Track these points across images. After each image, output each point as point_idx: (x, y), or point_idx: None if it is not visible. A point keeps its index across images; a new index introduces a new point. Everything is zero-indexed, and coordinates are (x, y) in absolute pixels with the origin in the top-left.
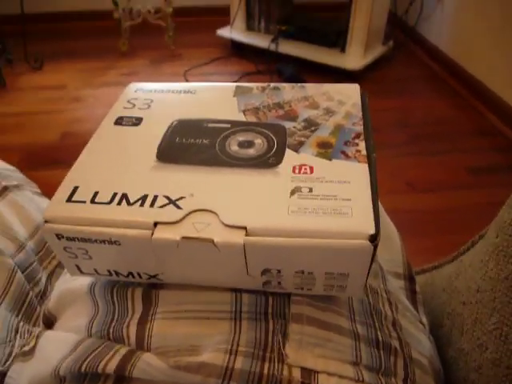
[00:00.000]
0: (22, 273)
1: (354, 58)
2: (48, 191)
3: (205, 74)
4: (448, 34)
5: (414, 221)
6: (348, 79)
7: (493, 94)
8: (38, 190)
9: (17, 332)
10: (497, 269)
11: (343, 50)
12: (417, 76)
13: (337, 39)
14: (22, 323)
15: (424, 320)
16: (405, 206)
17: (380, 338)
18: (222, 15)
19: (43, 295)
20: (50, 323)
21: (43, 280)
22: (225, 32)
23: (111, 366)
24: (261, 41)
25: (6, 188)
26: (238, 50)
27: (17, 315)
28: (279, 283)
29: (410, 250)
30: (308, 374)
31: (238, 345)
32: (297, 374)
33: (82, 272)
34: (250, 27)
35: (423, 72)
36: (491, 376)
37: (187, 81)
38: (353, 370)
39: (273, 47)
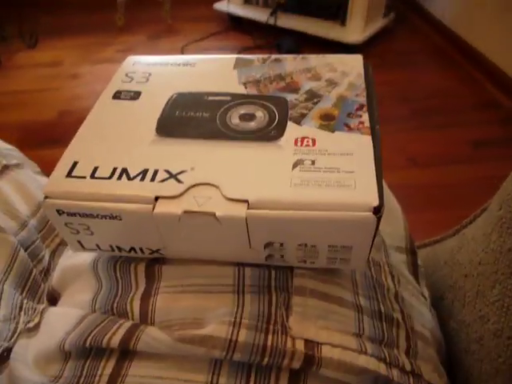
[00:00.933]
0: (25, 250)
1: (354, 31)
2: (47, 170)
3: (202, 49)
4: (451, 7)
5: (415, 195)
6: (349, 53)
7: (495, 68)
8: (39, 169)
9: (21, 309)
10: (499, 241)
11: (343, 23)
12: (418, 49)
13: (337, 12)
14: (26, 300)
15: (426, 293)
16: (407, 180)
17: (382, 310)
18: None
19: (46, 272)
20: (53, 300)
21: (46, 257)
22: (222, 6)
23: (115, 340)
24: (259, 14)
25: (6, 167)
26: (236, 24)
27: (21, 292)
28: (282, 256)
29: (412, 225)
30: (311, 345)
31: (241, 317)
32: (300, 345)
33: (84, 248)
34: (247, 0)
35: (425, 45)
36: (492, 347)
37: None
38: (356, 341)
39: (271, 21)
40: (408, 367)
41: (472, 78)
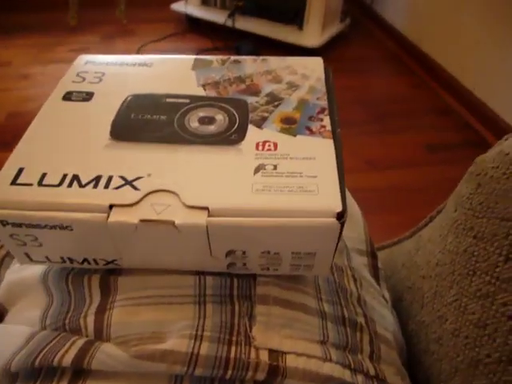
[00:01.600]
0: None
1: (311, 35)
2: None
3: (159, 50)
4: (403, 13)
5: (374, 198)
6: (307, 56)
7: (447, 74)
8: None
9: None
10: (456, 242)
11: (301, 27)
12: (374, 54)
13: (294, 16)
14: None
15: (386, 295)
16: (365, 184)
17: (346, 315)
18: None
19: None
20: (0, 315)
21: None
22: (179, 6)
23: (68, 359)
24: (217, 16)
25: None
26: (194, 26)
27: None
28: (244, 264)
29: (373, 228)
30: (276, 355)
31: (203, 330)
32: (264, 356)
33: (32, 260)
34: (205, 1)
35: (380, 50)
36: (451, 346)
37: None
38: (320, 348)
39: (229, 23)
40: (372, 372)
41: (424, 83)
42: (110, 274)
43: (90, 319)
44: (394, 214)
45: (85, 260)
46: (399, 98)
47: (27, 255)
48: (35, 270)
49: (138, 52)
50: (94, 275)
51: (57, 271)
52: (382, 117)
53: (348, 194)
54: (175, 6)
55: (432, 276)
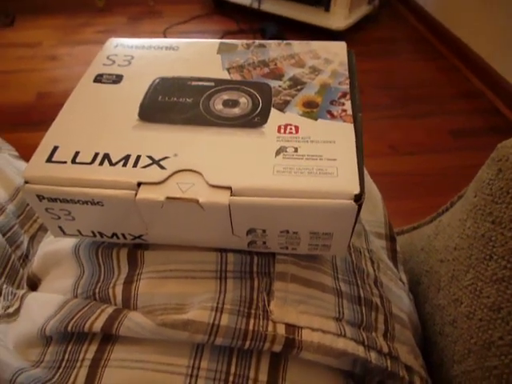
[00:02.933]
0: (3, 236)
1: (338, 17)
2: (26, 153)
3: (185, 32)
4: None
5: (396, 183)
6: (332, 39)
7: (477, 57)
8: (16, 153)
9: (0, 294)
10: (474, 227)
11: (327, 8)
12: (401, 37)
13: None
14: (5, 285)
15: (404, 278)
16: (388, 168)
17: (362, 295)
18: None
19: (25, 258)
20: (33, 285)
21: (25, 243)
22: None
23: (98, 325)
24: None
25: None
26: (220, 8)
27: None
28: (264, 243)
29: (393, 212)
30: (292, 329)
31: (223, 303)
32: (281, 329)
33: (65, 233)
34: None
35: (408, 33)
36: (465, 329)
37: None
38: (335, 325)
39: (255, 5)
40: (385, 349)
41: (454, 67)
42: (137, 248)
43: (119, 289)
44: (416, 199)
45: (114, 234)
46: (426, 82)
47: (61, 228)
48: (67, 243)
49: (165, 33)
50: (122, 249)
51: (87, 244)
52: (407, 101)
53: (368, 179)
54: None
55: (449, 260)
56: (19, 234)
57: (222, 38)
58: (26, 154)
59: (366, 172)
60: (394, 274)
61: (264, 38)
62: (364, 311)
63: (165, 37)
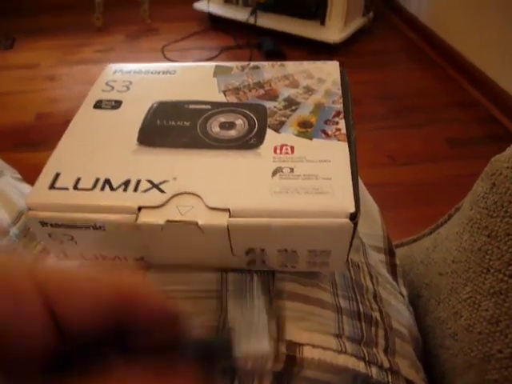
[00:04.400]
0: None
1: (333, 30)
2: (27, 173)
3: (183, 49)
4: (427, 4)
5: (395, 193)
6: (328, 52)
7: (471, 66)
8: (19, 176)
9: None
10: (471, 240)
11: (323, 22)
12: (396, 47)
13: (316, 11)
14: None
15: (404, 291)
16: (386, 179)
17: (361, 310)
18: None
19: None
20: None
21: None
22: (202, 5)
23: None
24: (239, 14)
25: None
26: (216, 24)
27: None
28: (263, 262)
29: (393, 223)
30: (293, 347)
31: (224, 322)
32: (282, 347)
33: (68, 257)
34: (227, 0)
35: (402, 43)
36: (465, 341)
37: (165, 57)
38: (336, 341)
39: (251, 20)
40: (386, 364)
41: (449, 76)
42: (138, 270)
43: None
44: (415, 209)
45: (116, 257)
46: (422, 92)
47: (63, 252)
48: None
49: (163, 50)
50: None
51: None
52: (403, 111)
53: (365, 192)
54: (198, 5)
55: (448, 273)
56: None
57: (219, 53)
58: (28, 173)
59: (363, 186)
60: (393, 288)
61: (261, 52)
62: (364, 327)
63: (163, 54)
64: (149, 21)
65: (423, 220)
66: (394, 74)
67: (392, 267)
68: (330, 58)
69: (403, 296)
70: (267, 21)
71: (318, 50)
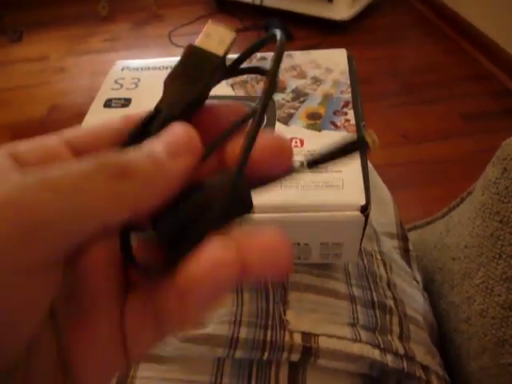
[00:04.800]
0: None
1: (341, 7)
2: None
3: (190, 33)
4: None
5: (412, 172)
6: (337, 29)
7: (485, 37)
8: None
9: None
10: (483, 226)
11: None
12: (407, 22)
13: None
14: None
15: (418, 277)
16: (402, 158)
17: (375, 299)
18: None
19: None
20: None
21: None
22: None
23: None
24: None
25: None
26: (222, 6)
27: None
28: None
29: (410, 202)
30: (308, 337)
31: (241, 316)
32: (298, 338)
33: None
34: None
35: (413, 17)
36: (479, 326)
37: (172, 42)
38: (350, 330)
39: (257, 1)
40: (401, 351)
41: (461, 49)
42: None
43: None
44: (432, 187)
45: None
46: (434, 67)
47: None
48: None
49: (169, 36)
50: None
51: None
52: (415, 87)
53: (378, 179)
54: None
55: (461, 258)
56: None
57: None
58: None
59: (374, 172)
60: (407, 274)
61: (268, 33)
62: (378, 315)
63: (170, 40)
64: (155, 7)
65: (441, 197)
66: (405, 50)
67: (405, 252)
68: (339, 36)
69: (417, 282)
70: (273, 1)
71: (326, 29)
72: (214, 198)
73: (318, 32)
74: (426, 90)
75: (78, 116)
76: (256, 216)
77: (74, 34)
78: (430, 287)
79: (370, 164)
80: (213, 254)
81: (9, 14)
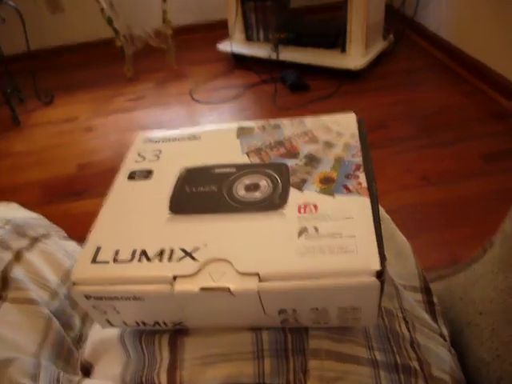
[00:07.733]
0: (58, 320)
1: (355, 56)
2: (72, 223)
3: (210, 90)
4: (447, 20)
5: (434, 215)
6: (351, 78)
7: (498, 76)
8: (65, 234)
9: (58, 381)
10: (506, 281)
11: (344, 49)
12: (421, 66)
13: (336, 40)
14: (62, 373)
15: (444, 331)
16: (423, 200)
17: (399, 362)
18: (221, 28)
19: (79, 340)
20: (86, 371)
21: (77, 324)
22: (225, 46)
23: None
24: (261, 50)
25: (35, 239)
26: (240, 62)
27: (57, 364)
28: (296, 320)
29: (435, 244)
30: None
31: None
32: None
33: (112, 325)
34: (249, 38)
35: (426, 61)
36: None
37: (193, 98)
38: None
39: (273, 56)
40: None
41: (476, 89)
42: (177, 334)
43: (163, 376)
44: (455, 228)
45: (156, 323)
46: (450, 108)
47: (108, 321)
48: (114, 331)
49: (190, 93)
50: (163, 335)
51: (131, 332)
52: (433, 129)
53: (396, 231)
54: (221, 46)
55: (488, 313)
56: (72, 315)
57: (244, 90)
58: (72, 223)
59: (393, 225)
60: (432, 330)
61: (285, 85)
62: (402, 379)
63: (191, 96)
64: (176, 67)
65: (466, 238)
66: (420, 93)
67: (430, 306)
68: (354, 84)
69: (444, 337)
70: (289, 54)
71: (341, 78)
72: None
73: (333, 81)
74: (443, 131)
75: (106, 172)
76: (274, 285)
77: (102, 95)
78: (458, 340)
79: (387, 216)
80: None
81: (40, 79)
